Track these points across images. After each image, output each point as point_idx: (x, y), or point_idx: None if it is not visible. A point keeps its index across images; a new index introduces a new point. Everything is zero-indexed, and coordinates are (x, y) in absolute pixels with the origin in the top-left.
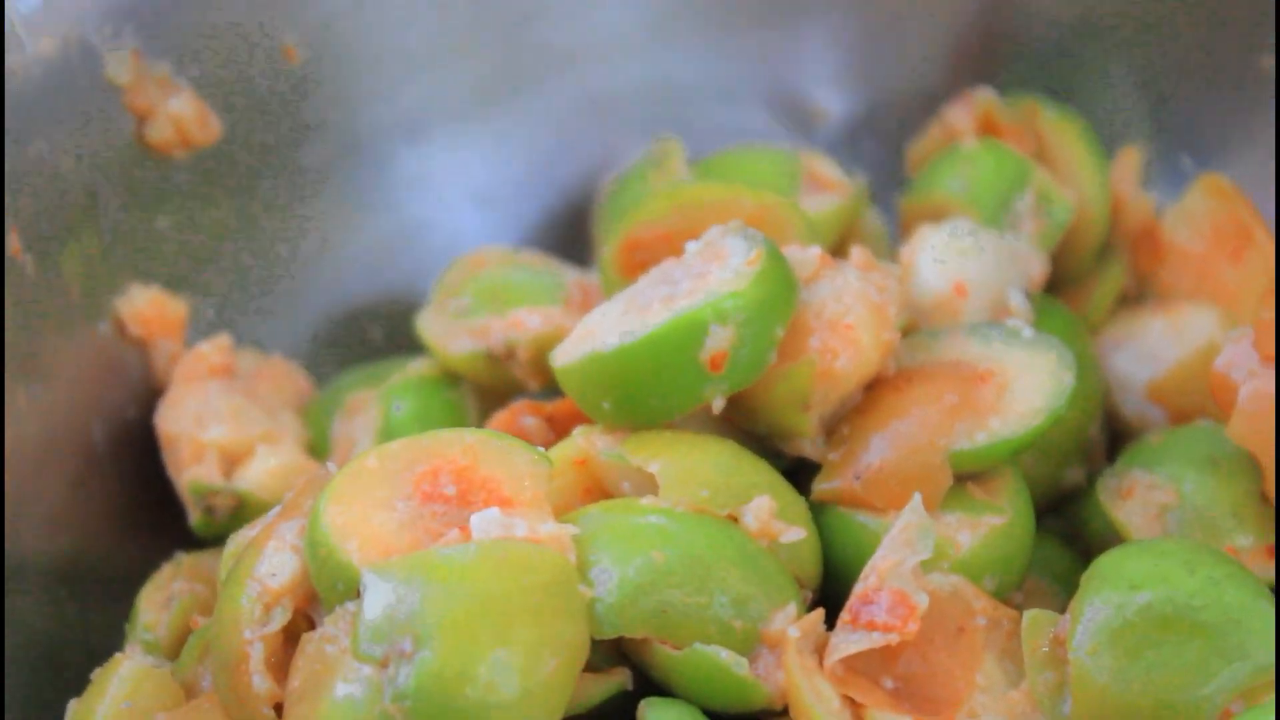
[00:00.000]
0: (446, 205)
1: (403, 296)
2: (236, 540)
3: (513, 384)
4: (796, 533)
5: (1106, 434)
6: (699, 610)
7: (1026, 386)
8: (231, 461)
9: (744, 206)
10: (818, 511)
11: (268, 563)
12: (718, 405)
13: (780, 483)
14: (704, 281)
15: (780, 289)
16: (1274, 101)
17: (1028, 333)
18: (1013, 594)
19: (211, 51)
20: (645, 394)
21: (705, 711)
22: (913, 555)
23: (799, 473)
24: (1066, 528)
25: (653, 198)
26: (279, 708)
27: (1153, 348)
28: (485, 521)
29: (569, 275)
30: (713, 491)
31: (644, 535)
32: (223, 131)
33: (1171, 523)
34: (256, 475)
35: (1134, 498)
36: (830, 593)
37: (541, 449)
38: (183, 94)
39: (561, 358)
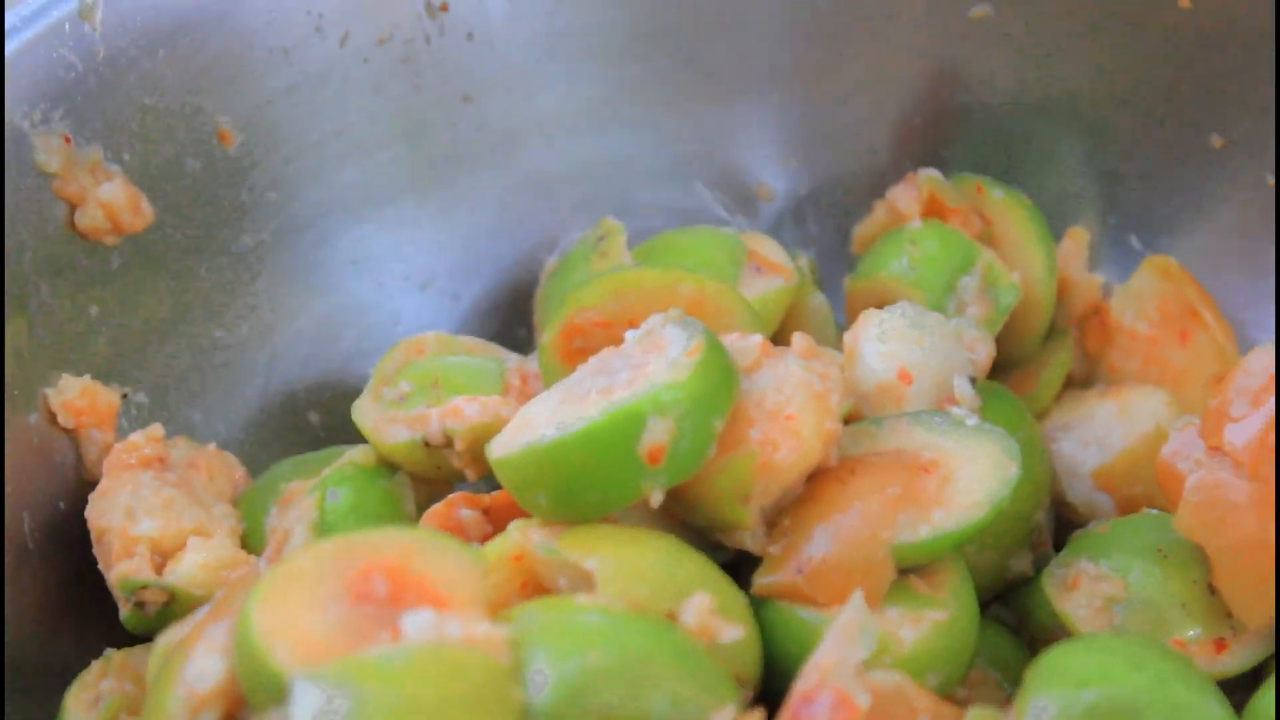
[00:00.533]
0: (386, 288)
1: (342, 380)
2: (165, 639)
3: (451, 473)
4: (736, 631)
5: (1054, 521)
6: (636, 712)
7: (970, 477)
8: (163, 555)
9: (684, 293)
10: (759, 606)
11: (195, 665)
12: (656, 499)
13: (720, 578)
14: (642, 372)
15: (720, 380)
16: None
17: (972, 421)
18: (956, 689)
19: (144, 136)
20: (582, 488)
21: None
22: (854, 653)
23: (740, 565)
24: (1013, 617)
25: (592, 284)
26: None
27: (1100, 433)
28: (417, 623)
29: (509, 361)
30: (651, 588)
31: (580, 635)
32: (156, 216)
33: (1118, 615)
34: (188, 569)
35: (1080, 589)
36: (771, 690)
37: (476, 546)
38: (115, 179)
39: (498, 450)
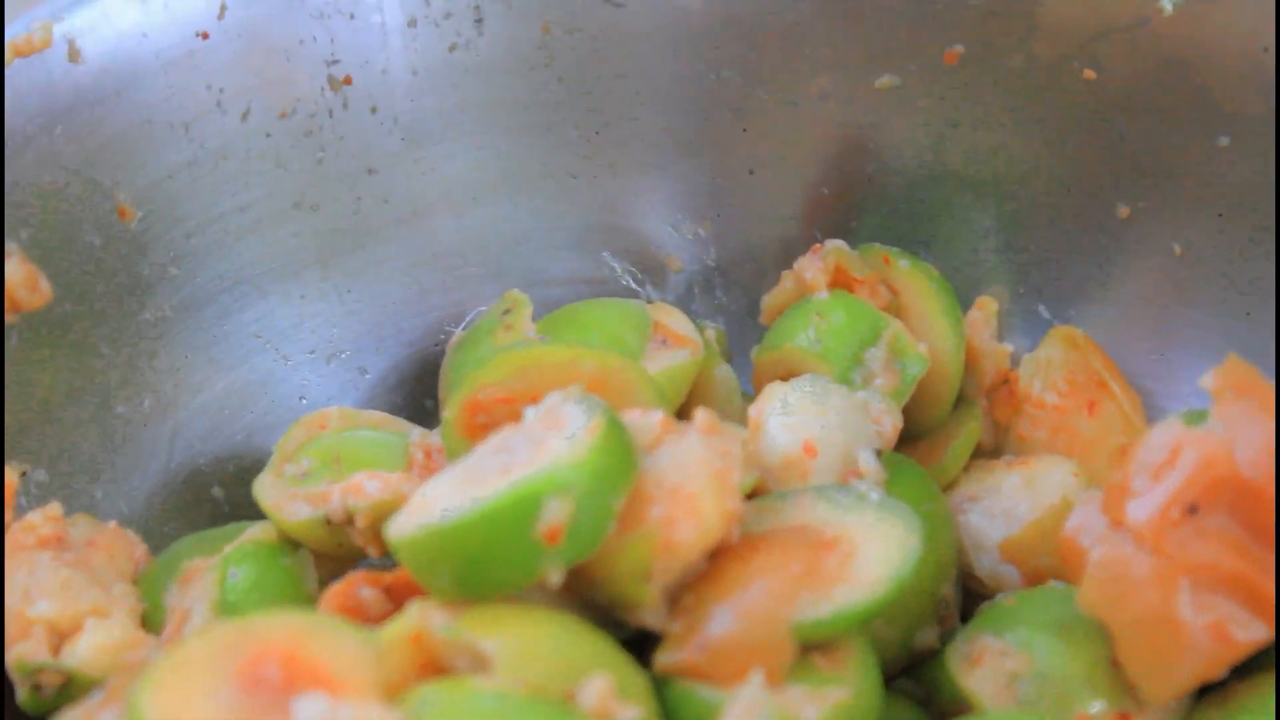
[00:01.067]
0: (291, 361)
1: (247, 454)
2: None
3: (353, 550)
4: (634, 712)
5: (961, 593)
6: None
7: (873, 554)
8: (60, 636)
9: (586, 369)
10: (660, 684)
11: None
12: (555, 580)
13: (620, 658)
14: (541, 451)
15: (619, 458)
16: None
17: (875, 496)
18: None
19: (42, 212)
20: (481, 569)
21: None
22: None
23: (643, 643)
24: (920, 691)
25: (494, 360)
26: None
27: (1007, 505)
28: (309, 709)
29: (413, 436)
30: (549, 670)
31: (475, 719)
32: (55, 292)
33: (1021, 691)
34: (85, 651)
35: (983, 665)
36: None
37: (371, 629)
38: (12, 257)
39: (396, 530)
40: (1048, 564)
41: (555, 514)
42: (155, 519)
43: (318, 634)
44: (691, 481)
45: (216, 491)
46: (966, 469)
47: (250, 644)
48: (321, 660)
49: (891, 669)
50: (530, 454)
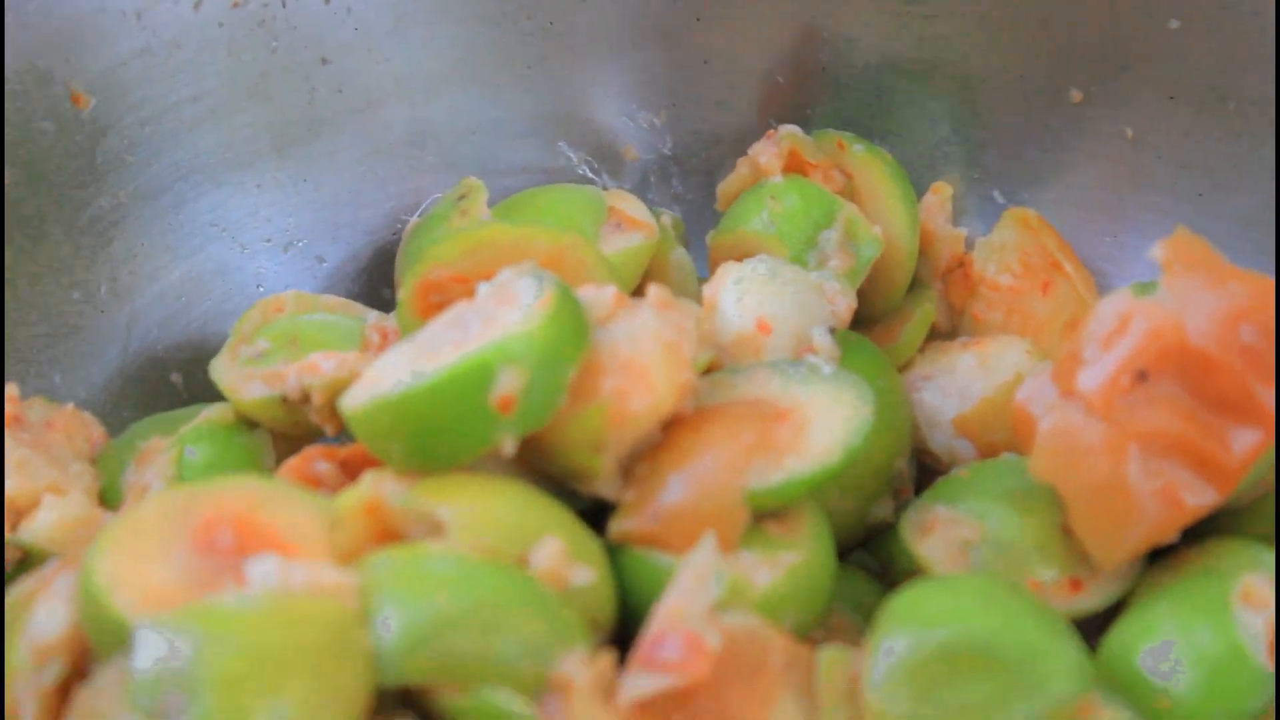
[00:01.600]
0: (247, 250)
1: (204, 341)
2: (14, 594)
3: (309, 429)
4: (586, 574)
5: (915, 469)
6: (485, 656)
7: (824, 424)
8: (18, 514)
9: (539, 247)
10: (615, 553)
11: (40, 617)
12: (509, 449)
13: (573, 523)
14: (494, 324)
15: (570, 329)
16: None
17: (828, 370)
18: (815, 631)
19: None
20: (434, 438)
21: None
22: (704, 596)
23: (598, 514)
24: (875, 563)
25: (447, 240)
26: None
27: (961, 382)
28: (262, 570)
29: (369, 318)
30: (502, 535)
31: (430, 581)
32: (10, 178)
33: (974, 558)
34: (42, 527)
35: (936, 533)
36: (629, 635)
37: (323, 496)
38: None
39: (350, 402)
40: (1002, 439)
41: (508, 383)
42: (113, 405)
43: (271, 499)
44: (644, 354)
45: (175, 378)
46: (922, 351)
47: (203, 508)
48: (275, 524)
49: (847, 542)
50: (483, 327)
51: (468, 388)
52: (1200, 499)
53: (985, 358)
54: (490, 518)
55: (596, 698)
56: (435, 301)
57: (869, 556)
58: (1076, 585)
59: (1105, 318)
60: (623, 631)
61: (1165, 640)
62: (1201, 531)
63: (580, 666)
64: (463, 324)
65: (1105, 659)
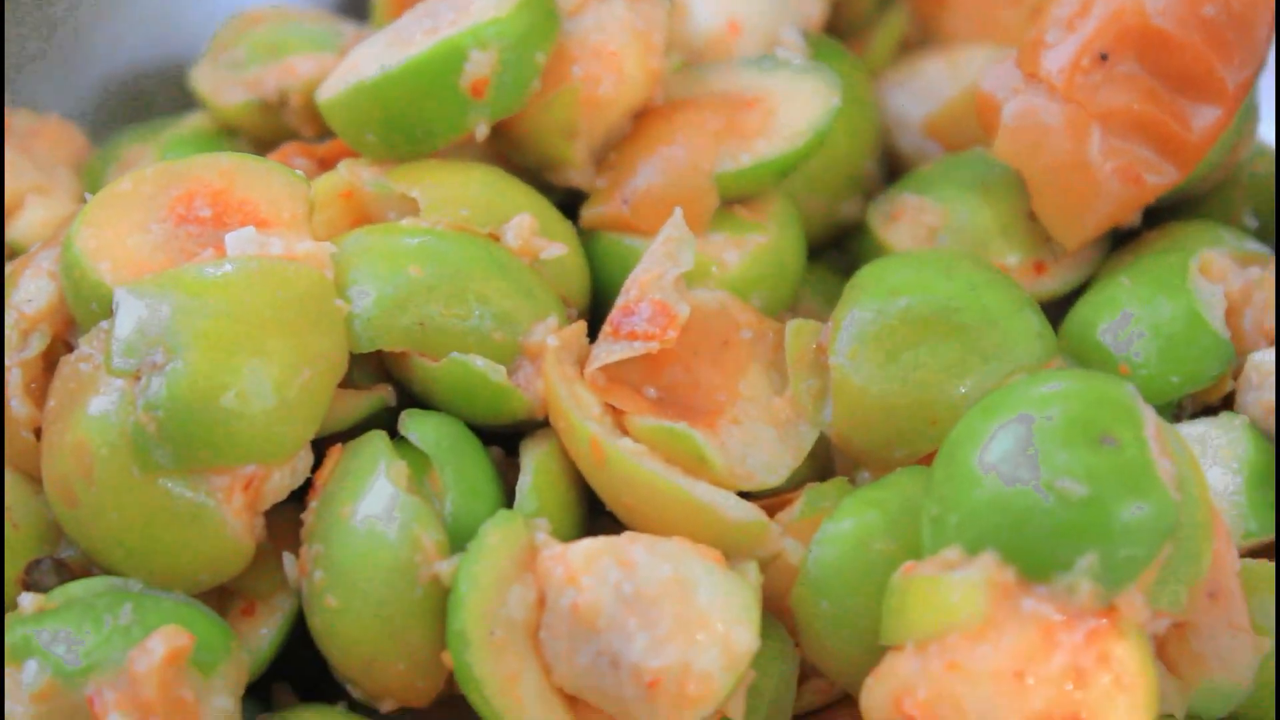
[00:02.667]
0: None
1: (185, 58)
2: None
3: (288, 134)
4: (557, 248)
5: (885, 170)
6: (458, 323)
7: (793, 109)
8: (4, 214)
9: None
10: (588, 238)
11: (24, 290)
12: (481, 132)
13: (543, 203)
14: (466, 12)
15: (541, 15)
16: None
17: (797, 61)
18: (783, 314)
19: None
20: (408, 123)
21: (472, 428)
22: (674, 267)
23: (571, 207)
24: (844, 261)
25: None
26: (40, 433)
27: (929, 86)
28: (240, 240)
29: (348, 28)
30: (473, 211)
31: (403, 253)
32: None
33: (939, 243)
34: (27, 225)
35: (903, 220)
36: (601, 316)
37: (300, 172)
38: None
39: (325, 92)
40: (969, 138)
41: (479, 66)
42: (96, 121)
43: (248, 174)
44: (614, 41)
45: (156, 94)
46: (892, 60)
47: (182, 182)
48: (252, 198)
49: (818, 240)
50: (456, 16)
51: (440, 70)
52: (1160, 177)
53: (953, 62)
54: (463, 196)
55: (567, 364)
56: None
57: (839, 254)
58: (1040, 268)
59: (1068, 1)
60: (595, 317)
61: (1125, 311)
62: (1162, 213)
63: (551, 334)
64: (435, 14)
65: (1067, 334)
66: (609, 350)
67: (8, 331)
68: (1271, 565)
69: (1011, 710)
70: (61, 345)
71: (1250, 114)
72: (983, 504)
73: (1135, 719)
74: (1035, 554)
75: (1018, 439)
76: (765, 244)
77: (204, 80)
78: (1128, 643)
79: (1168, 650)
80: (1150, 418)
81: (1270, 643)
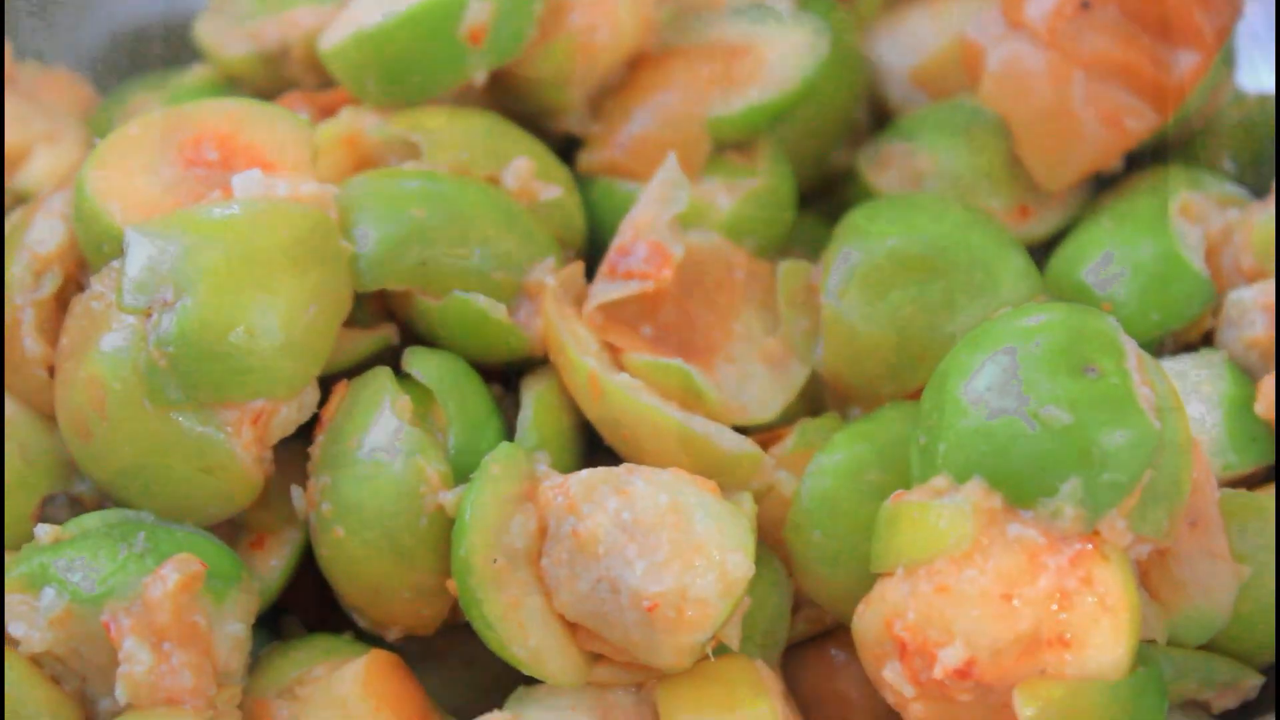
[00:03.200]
0: None
1: (189, 11)
2: (15, 216)
3: (290, 85)
4: (555, 190)
5: (873, 120)
6: (459, 263)
7: (782, 57)
8: (13, 164)
9: None
10: (584, 184)
11: (36, 231)
12: (479, 79)
13: (540, 147)
14: None
15: None
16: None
17: (786, 10)
18: (774, 258)
19: None
20: (408, 70)
21: (473, 365)
22: (668, 209)
23: (568, 152)
24: (834, 209)
25: None
26: (54, 370)
27: (917, 36)
28: (246, 181)
29: None
30: (473, 154)
31: (405, 196)
32: None
33: (926, 188)
34: (37, 173)
35: (891, 166)
36: (597, 258)
37: (304, 116)
38: None
39: (327, 42)
40: (956, 87)
41: (478, 13)
42: (101, 74)
43: (254, 118)
44: None
45: (160, 49)
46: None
47: (190, 126)
48: (258, 141)
49: (809, 187)
50: None
51: (439, 19)
52: (1141, 122)
53: (940, 12)
54: (463, 139)
55: (566, 301)
56: None
57: (828, 203)
58: (1025, 212)
59: None
60: (591, 261)
61: (1107, 252)
62: (1142, 158)
63: (550, 274)
64: None
65: (1051, 275)
66: (606, 289)
67: (20, 272)
68: (1250, 495)
69: (999, 631)
70: (73, 285)
71: (1228, 60)
72: (970, 432)
73: (1119, 639)
74: (1021, 480)
75: (1003, 369)
76: (757, 188)
77: (208, 33)
78: (1111, 566)
79: (1150, 577)
80: (1131, 349)
81: (1249, 570)
